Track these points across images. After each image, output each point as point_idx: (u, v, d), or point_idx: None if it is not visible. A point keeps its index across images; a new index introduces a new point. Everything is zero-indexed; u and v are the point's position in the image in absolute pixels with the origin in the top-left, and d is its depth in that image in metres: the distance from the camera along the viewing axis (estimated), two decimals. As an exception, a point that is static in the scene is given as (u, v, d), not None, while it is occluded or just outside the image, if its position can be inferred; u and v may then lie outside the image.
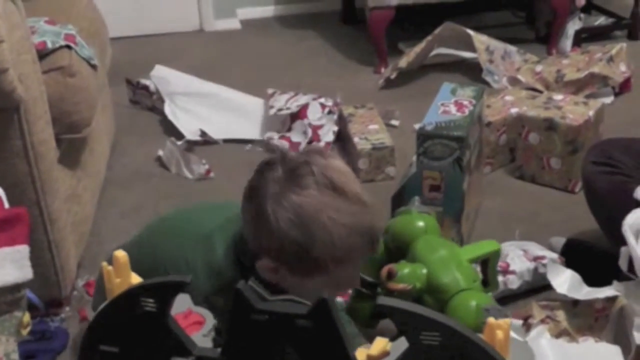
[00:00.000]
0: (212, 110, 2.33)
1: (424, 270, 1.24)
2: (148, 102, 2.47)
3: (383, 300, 0.82)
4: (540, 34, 2.85)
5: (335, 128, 2.16)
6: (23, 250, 1.34)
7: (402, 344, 0.86)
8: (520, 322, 1.31)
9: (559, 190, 1.90)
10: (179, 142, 2.14)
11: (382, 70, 2.63)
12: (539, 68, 2.40)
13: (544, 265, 1.47)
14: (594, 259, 1.51)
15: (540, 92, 2.22)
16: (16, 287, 1.31)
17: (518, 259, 1.50)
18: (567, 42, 2.72)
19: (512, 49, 2.57)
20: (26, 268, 1.33)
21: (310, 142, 2.12)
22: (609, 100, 2.28)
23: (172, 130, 2.27)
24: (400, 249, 1.33)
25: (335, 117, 2.17)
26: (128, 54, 2.77)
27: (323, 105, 2.18)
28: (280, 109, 2.19)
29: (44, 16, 1.71)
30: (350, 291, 1.46)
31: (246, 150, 2.19)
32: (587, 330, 1.31)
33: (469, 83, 2.41)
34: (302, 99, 2.21)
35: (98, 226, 1.84)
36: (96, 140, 1.89)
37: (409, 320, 0.82)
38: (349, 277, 1.12)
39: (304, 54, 2.86)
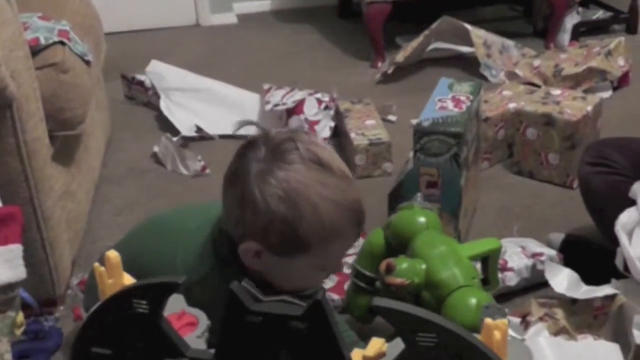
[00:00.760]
0: (208, 105, 2.31)
1: (423, 266, 1.23)
2: (143, 97, 2.45)
3: (378, 301, 0.81)
4: (538, 28, 2.84)
5: (332, 124, 2.15)
6: (16, 249, 1.33)
7: (399, 344, 0.85)
8: (518, 320, 1.30)
9: (557, 186, 1.89)
10: (175, 138, 2.13)
11: (379, 64, 2.61)
12: (536, 62, 2.39)
13: (542, 262, 1.46)
14: (592, 255, 1.50)
15: (538, 86, 2.21)
16: (9, 287, 1.30)
17: (516, 256, 1.49)
18: (565, 37, 2.71)
19: (509, 43, 2.56)
20: (19, 267, 1.32)
21: (306, 138, 2.10)
22: (607, 94, 2.27)
23: (167, 126, 2.25)
24: (400, 244, 1.32)
25: (331, 112, 2.16)
26: (123, 49, 2.75)
27: (319, 101, 2.17)
28: (276, 105, 2.18)
29: (37, 12, 1.69)
30: (346, 287, 1.45)
31: (242, 146, 2.18)
32: (585, 328, 1.31)
33: (467, 78, 2.40)
34: (299, 95, 2.20)
35: (93, 223, 1.83)
36: (91, 137, 1.88)
37: (405, 322, 0.81)
38: (334, 259, 1.09)
39: (300, 49, 2.84)
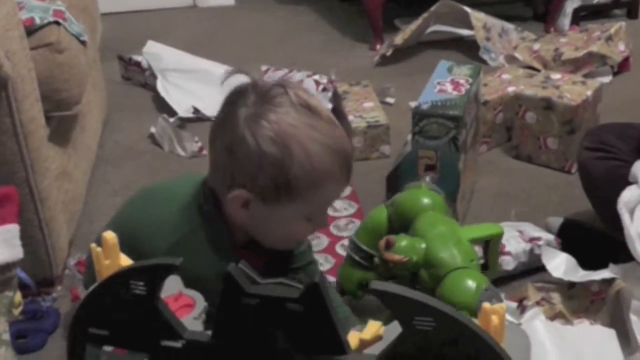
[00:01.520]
0: (205, 86, 2.30)
1: (423, 245, 1.23)
2: (140, 78, 2.44)
3: (376, 284, 0.81)
4: (539, 12, 2.82)
5: (330, 105, 2.13)
6: (13, 229, 1.33)
7: (396, 328, 0.85)
8: (515, 304, 1.30)
9: (556, 171, 1.89)
10: (172, 119, 2.12)
11: (378, 47, 2.60)
12: (536, 46, 2.37)
13: (540, 247, 1.46)
14: (591, 240, 1.50)
15: (538, 70, 2.20)
16: (7, 267, 1.30)
17: (514, 240, 1.49)
18: (565, 21, 2.69)
19: (509, 26, 2.54)
20: (16, 247, 1.32)
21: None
22: (607, 79, 2.26)
23: (164, 107, 2.24)
24: (403, 223, 1.32)
25: (329, 94, 2.15)
26: (120, 30, 2.73)
27: (317, 83, 2.15)
28: (274, 87, 2.17)
29: (33, -9, 1.67)
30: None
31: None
32: (582, 313, 1.31)
33: (466, 61, 2.38)
34: (297, 76, 2.18)
35: (90, 204, 1.82)
36: (87, 118, 1.87)
37: (402, 305, 0.80)
38: (321, 208, 1.10)
39: (298, 30, 2.82)
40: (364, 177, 1.88)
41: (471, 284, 1.16)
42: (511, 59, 2.39)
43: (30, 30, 1.52)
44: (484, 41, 2.46)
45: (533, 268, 1.49)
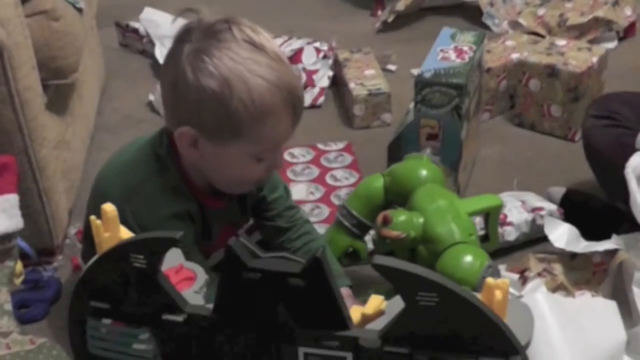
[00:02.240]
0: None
1: (421, 220, 1.22)
2: (138, 45, 2.41)
3: (379, 259, 0.80)
4: (543, -24, 2.77)
5: (331, 73, 2.11)
6: (12, 199, 1.32)
7: (398, 303, 0.85)
8: (516, 276, 1.30)
9: (559, 139, 1.87)
10: (171, 87, 2.10)
11: (379, 13, 2.56)
12: (541, 12, 2.34)
13: (542, 217, 1.45)
14: (593, 210, 1.49)
15: (542, 36, 2.17)
16: (7, 237, 1.30)
17: (516, 210, 1.48)
18: (570, -16, 2.64)
19: (513, -9, 2.50)
20: (16, 217, 1.32)
21: (304, 88, 2.07)
22: (612, 45, 2.23)
23: (163, 75, 2.21)
24: (399, 193, 1.31)
25: (330, 61, 2.12)
26: (117, -4, 2.69)
27: (318, 50, 2.13)
28: (275, 53, 2.14)
29: (28, -44, 1.64)
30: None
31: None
32: (584, 285, 1.30)
33: (469, 27, 2.35)
34: (296, 44, 2.16)
35: (89, 173, 1.80)
36: (84, 85, 1.85)
37: (406, 281, 0.80)
38: (268, 146, 1.09)
39: (298, -4, 2.78)
40: (365, 145, 1.87)
41: (470, 259, 1.15)
42: (515, 25, 2.36)
43: (26, -4, 1.49)
44: (487, 7, 2.42)
45: (535, 238, 1.48)
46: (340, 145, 1.86)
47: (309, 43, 2.15)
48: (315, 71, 2.09)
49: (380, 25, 2.47)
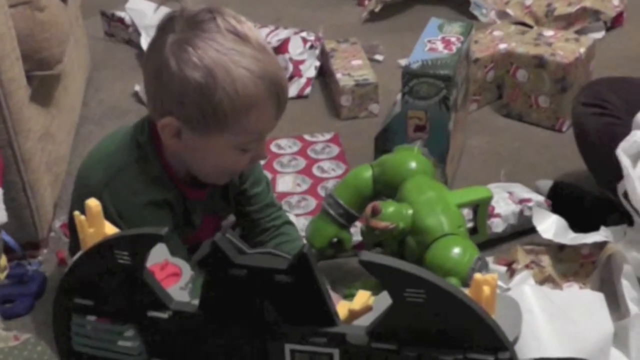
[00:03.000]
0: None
1: (410, 211, 1.22)
2: (124, 35, 2.39)
3: (366, 255, 0.80)
4: (530, -35, 2.76)
5: (318, 63, 2.10)
6: (-3, 192, 1.31)
7: (385, 298, 0.84)
8: (504, 268, 1.30)
9: (546, 129, 1.87)
10: (157, 78, 2.08)
11: (366, 2, 2.54)
12: (528, 1, 2.33)
13: (530, 208, 1.45)
14: (581, 202, 1.49)
15: (530, 26, 2.16)
16: (-9, 230, 1.28)
17: (503, 202, 1.48)
18: (557, -26, 2.64)
19: (501, -20, 2.49)
20: (1, 211, 1.30)
21: (291, 78, 2.06)
22: (600, 35, 2.23)
23: (149, 65, 2.19)
24: (388, 185, 1.30)
25: (317, 52, 2.11)
26: (102, -16, 2.66)
27: (305, 40, 2.12)
28: (262, 43, 2.12)
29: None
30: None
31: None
32: (571, 276, 1.30)
33: (456, 17, 2.34)
34: (283, 33, 2.14)
35: (74, 165, 1.78)
36: (70, 76, 1.83)
37: (393, 277, 0.79)
38: (252, 137, 1.09)
39: (285, -16, 2.75)
40: (353, 136, 1.86)
41: (459, 250, 1.15)
42: (503, 15, 2.35)
43: (8, -13, 1.47)
44: (475, -4, 2.41)
45: (523, 230, 1.48)
46: (327, 137, 1.85)
47: (295, 33, 2.14)
48: (302, 61, 2.08)
49: (368, 14, 2.45)
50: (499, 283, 1.25)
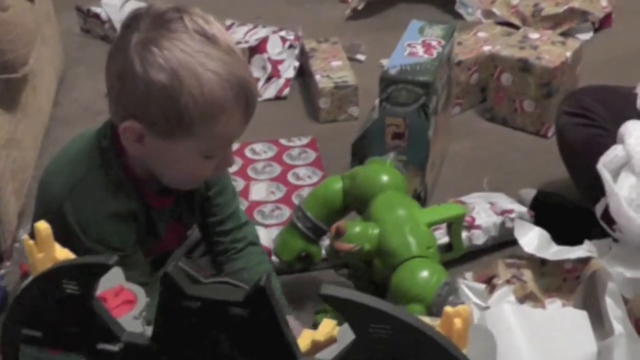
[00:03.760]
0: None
1: (376, 231, 1.17)
2: (100, 31, 2.33)
3: (327, 289, 0.74)
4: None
5: (297, 63, 2.04)
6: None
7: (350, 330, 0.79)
8: (483, 286, 1.24)
9: (531, 134, 1.82)
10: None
11: (350, -1, 2.48)
12: (515, 1, 2.27)
13: (512, 220, 1.40)
14: (565, 213, 1.45)
15: (516, 27, 2.11)
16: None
17: (484, 213, 1.43)
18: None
19: (487, -22, 2.43)
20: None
21: (269, 78, 2.00)
22: (587, 36, 2.18)
23: (124, 64, 2.13)
24: (359, 199, 1.25)
25: (296, 51, 2.05)
26: (77, -21, 2.59)
27: (284, 39, 2.06)
28: (238, 42, 2.06)
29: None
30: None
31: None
32: (554, 292, 1.26)
33: (440, 15, 2.29)
34: (262, 32, 2.08)
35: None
36: (39, 76, 1.76)
37: (356, 312, 0.74)
38: (219, 144, 1.04)
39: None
40: (331, 141, 1.80)
41: (426, 274, 1.11)
42: (489, 14, 2.29)
43: (-32, -14, 1.41)
44: (460, -6, 2.35)
45: (504, 242, 1.43)
46: (305, 141, 1.79)
47: (274, 32, 2.08)
48: (281, 61, 2.02)
49: (350, 12, 2.39)
50: (478, 301, 1.21)
